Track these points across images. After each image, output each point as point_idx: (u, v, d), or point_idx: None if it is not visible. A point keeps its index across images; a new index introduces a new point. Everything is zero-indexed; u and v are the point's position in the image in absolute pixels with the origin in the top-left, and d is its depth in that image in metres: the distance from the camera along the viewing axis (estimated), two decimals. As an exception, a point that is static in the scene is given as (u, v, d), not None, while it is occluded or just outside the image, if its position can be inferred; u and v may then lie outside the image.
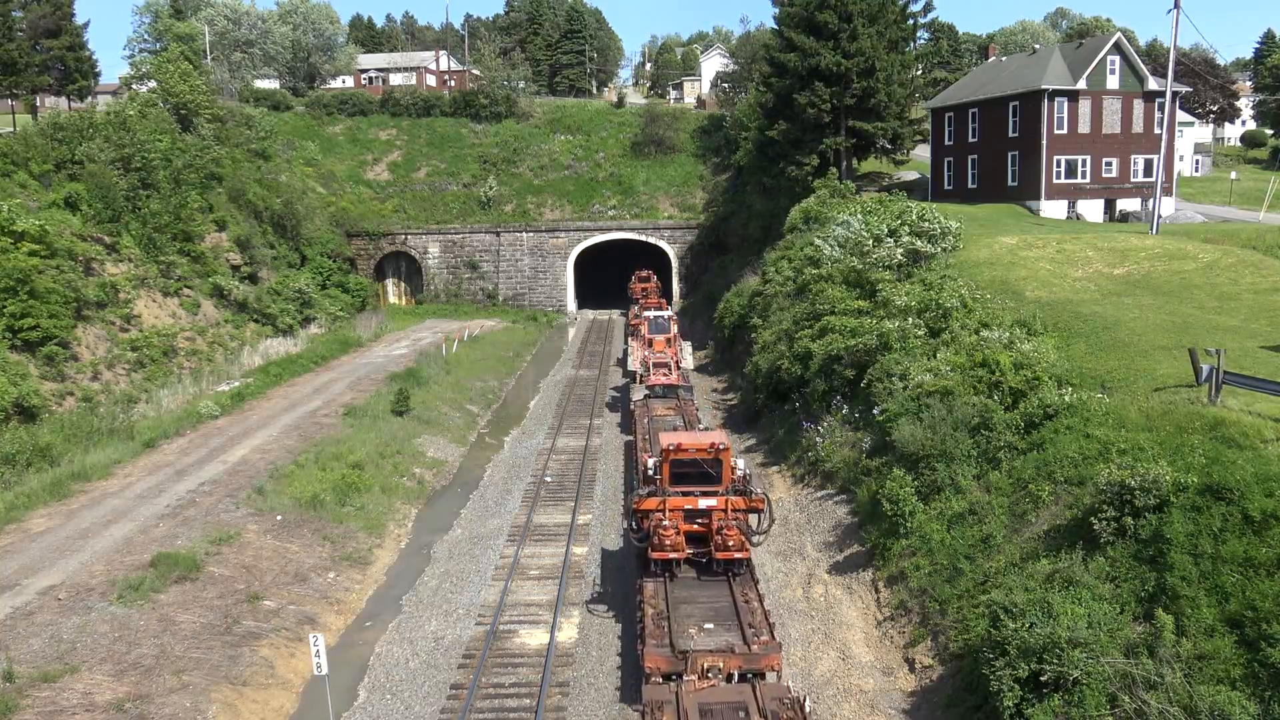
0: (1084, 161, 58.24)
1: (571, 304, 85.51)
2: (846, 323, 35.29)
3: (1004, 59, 73.55)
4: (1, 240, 40.62)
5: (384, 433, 39.41)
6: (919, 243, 39.22)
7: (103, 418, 38.80)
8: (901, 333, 31.98)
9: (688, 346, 50.32)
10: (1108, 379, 24.70)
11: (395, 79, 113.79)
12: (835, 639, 22.65)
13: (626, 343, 56.37)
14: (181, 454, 36.39)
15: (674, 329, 48.90)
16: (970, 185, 63.33)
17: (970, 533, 22.65)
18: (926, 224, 40.82)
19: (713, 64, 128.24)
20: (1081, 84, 56.86)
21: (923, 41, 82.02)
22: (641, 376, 43.58)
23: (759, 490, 23.64)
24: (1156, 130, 54.94)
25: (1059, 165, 57.66)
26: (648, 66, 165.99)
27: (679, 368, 45.18)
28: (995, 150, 61.11)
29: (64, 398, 39.65)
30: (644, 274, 78.62)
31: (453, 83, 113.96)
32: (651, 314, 50.14)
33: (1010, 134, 59.56)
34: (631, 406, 40.07)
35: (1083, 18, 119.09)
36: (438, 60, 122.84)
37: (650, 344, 47.28)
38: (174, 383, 45.63)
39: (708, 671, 17.99)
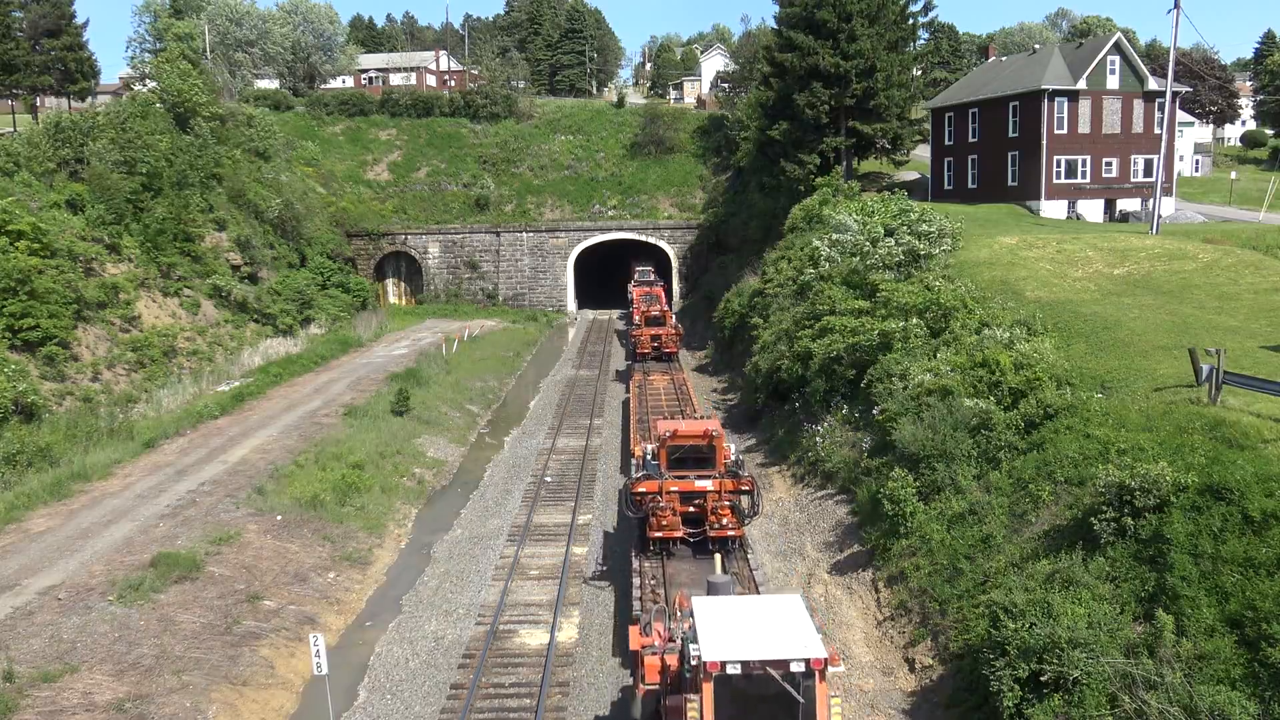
0: (1084, 161, 58.23)
1: (571, 304, 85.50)
2: (847, 323, 35.28)
3: (1004, 59, 73.54)
4: (0, 240, 40.66)
5: (384, 433, 39.41)
6: (919, 243, 39.21)
7: (103, 418, 38.81)
8: (902, 333, 31.98)
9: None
10: (1108, 379, 24.70)
11: (395, 79, 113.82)
12: (835, 639, 22.63)
13: (625, 493, 26.25)
14: (181, 454, 36.39)
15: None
16: (970, 185, 63.32)
17: (970, 533, 22.64)
18: (926, 224, 40.81)
19: (713, 64, 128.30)
20: (1081, 84, 56.85)
21: (923, 42, 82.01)
22: None
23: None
24: (1156, 130, 54.93)
25: (1059, 165, 57.66)
26: (648, 66, 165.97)
27: None
28: (995, 150, 61.10)
29: (64, 398, 39.63)
30: (655, 310, 55.62)
31: (452, 83, 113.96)
32: (709, 578, 17.17)
33: (1010, 134, 59.55)
34: None
35: (1083, 18, 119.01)
36: (438, 60, 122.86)
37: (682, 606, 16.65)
38: (174, 383, 45.62)
39: None
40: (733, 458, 25.67)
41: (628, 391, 48.98)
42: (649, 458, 26.25)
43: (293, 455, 35.56)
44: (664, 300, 61.91)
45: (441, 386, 49.53)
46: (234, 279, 57.18)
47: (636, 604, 19.52)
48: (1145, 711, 15.07)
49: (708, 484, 24.30)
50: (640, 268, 75.49)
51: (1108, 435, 21.77)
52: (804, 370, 36.54)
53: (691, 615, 14.16)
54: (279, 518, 29.60)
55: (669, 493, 24.30)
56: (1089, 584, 17.86)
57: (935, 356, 29.49)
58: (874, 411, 30.02)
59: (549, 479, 36.75)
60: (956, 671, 19.49)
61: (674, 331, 54.06)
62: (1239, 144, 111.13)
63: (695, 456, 25.36)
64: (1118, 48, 58.61)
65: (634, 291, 65.59)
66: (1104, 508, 18.89)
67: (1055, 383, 25.01)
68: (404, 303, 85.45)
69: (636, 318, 56.30)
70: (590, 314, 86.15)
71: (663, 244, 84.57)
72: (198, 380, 47.12)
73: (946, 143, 66.25)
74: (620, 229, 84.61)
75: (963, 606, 20.73)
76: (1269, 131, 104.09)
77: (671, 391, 45.49)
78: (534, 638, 23.62)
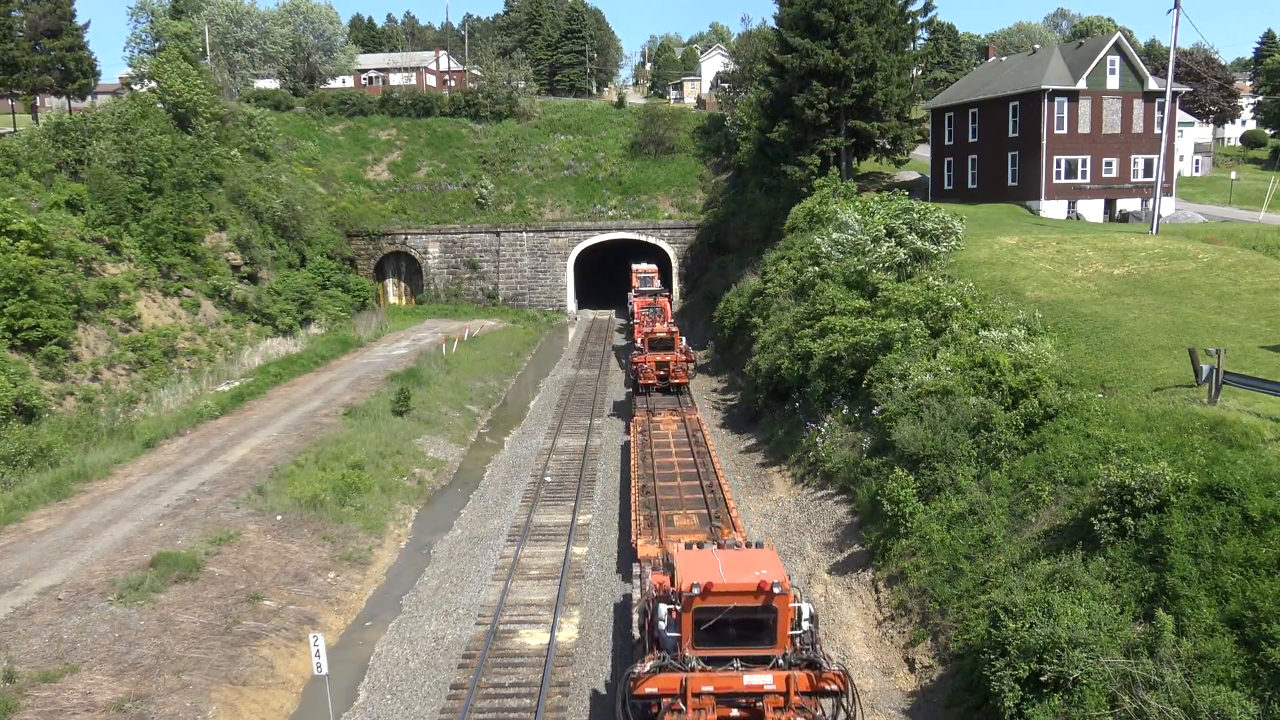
0: (1084, 161, 58.23)
1: (571, 304, 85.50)
2: (847, 322, 35.29)
3: (1004, 59, 73.54)
4: (0, 240, 40.69)
5: (384, 433, 39.41)
6: (920, 242, 39.21)
7: (103, 418, 38.82)
8: (902, 333, 31.99)
9: None
10: (1108, 379, 24.70)
11: (395, 79, 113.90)
12: (835, 639, 22.64)
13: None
14: (181, 454, 36.39)
15: None
16: (970, 185, 63.31)
17: (970, 533, 22.64)
18: (927, 224, 40.82)
19: (713, 64, 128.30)
20: (1081, 84, 56.85)
21: (922, 42, 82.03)
22: None
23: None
24: (1156, 130, 54.93)
25: (1059, 165, 57.66)
26: (647, 66, 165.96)
27: None
28: (995, 150, 61.10)
29: (64, 398, 39.63)
30: (660, 329, 45.05)
31: (453, 83, 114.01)
32: None
33: (1010, 134, 59.54)
34: None
35: (1082, 18, 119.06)
36: (438, 60, 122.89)
37: None
38: (174, 383, 45.63)
39: None
40: (806, 624, 15.15)
41: (627, 433, 39.50)
42: (662, 621, 15.50)
43: (293, 455, 35.56)
44: (670, 313, 53.21)
45: (441, 386, 49.53)
46: (234, 279, 57.19)
47: None
48: (1145, 711, 15.07)
49: (765, 679, 14.22)
50: (642, 274, 70.79)
51: (1108, 435, 21.77)
52: (804, 370, 36.54)
53: None
54: (279, 518, 29.60)
55: (699, 695, 14.25)
56: (1089, 584, 17.86)
57: (935, 356, 29.49)
58: (874, 411, 30.02)
59: (549, 479, 36.75)
60: (956, 671, 19.49)
61: (684, 357, 43.44)
62: (1239, 144, 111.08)
63: (742, 620, 14.69)
64: (1118, 48, 58.60)
65: (635, 303, 57.49)
66: (1104, 508, 18.88)
67: (1055, 383, 25.02)
68: (404, 303, 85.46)
69: (638, 338, 45.67)
70: (590, 314, 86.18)
71: (663, 244, 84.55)
72: (198, 380, 47.12)
73: (946, 143, 66.25)
74: (620, 229, 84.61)
75: (963, 606, 20.73)
76: (1269, 131, 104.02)
77: (684, 442, 34.02)
78: (534, 638, 23.62)
